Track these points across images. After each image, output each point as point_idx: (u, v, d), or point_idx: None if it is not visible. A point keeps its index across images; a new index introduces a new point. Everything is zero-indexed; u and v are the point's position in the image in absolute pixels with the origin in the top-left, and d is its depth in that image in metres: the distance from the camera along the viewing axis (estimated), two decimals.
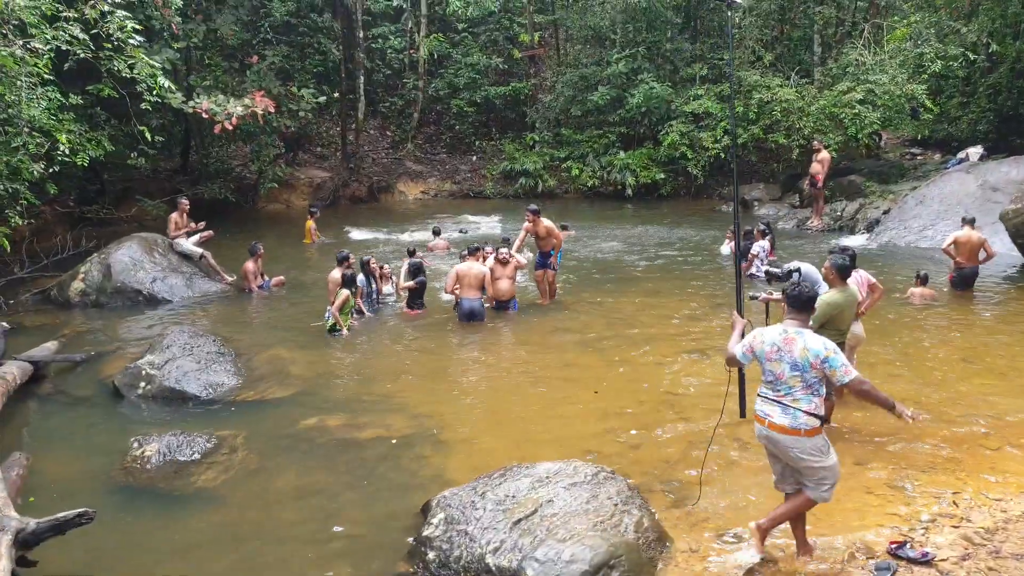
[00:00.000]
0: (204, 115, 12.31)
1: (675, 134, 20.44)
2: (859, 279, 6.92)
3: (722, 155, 19.79)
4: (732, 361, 4.38)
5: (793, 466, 4.21)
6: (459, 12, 25.12)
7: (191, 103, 11.53)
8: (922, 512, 4.91)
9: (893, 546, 4.41)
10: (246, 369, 7.83)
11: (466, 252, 10.34)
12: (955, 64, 19.12)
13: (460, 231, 16.37)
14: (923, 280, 10.15)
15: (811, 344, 4.02)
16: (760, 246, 11.88)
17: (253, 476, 5.80)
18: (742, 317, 4.73)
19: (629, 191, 21.50)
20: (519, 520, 4.29)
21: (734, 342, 4.44)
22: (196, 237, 12.36)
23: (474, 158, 24.80)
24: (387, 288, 11.45)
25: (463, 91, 24.91)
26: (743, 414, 5.21)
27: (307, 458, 6.10)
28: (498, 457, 5.82)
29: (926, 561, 4.28)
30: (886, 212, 15.18)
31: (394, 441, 6.30)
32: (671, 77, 22.34)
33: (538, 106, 24.55)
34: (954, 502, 5.02)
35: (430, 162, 24.56)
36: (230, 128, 13.29)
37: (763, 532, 4.42)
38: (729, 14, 5.49)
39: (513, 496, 4.53)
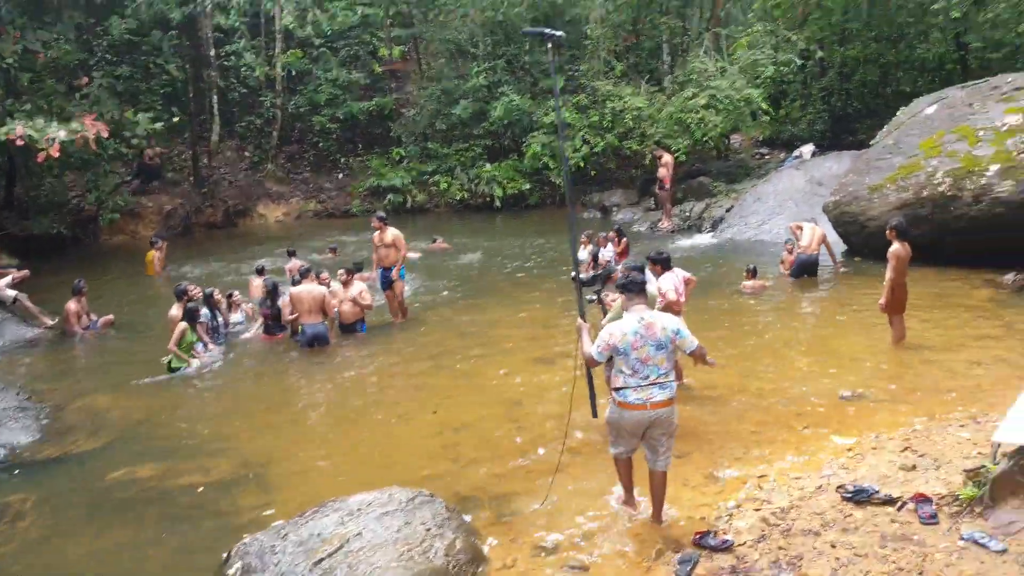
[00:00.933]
0: (19, 142, 11.45)
1: (537, 145, 20.81)
2: (677, 277, 7.23)
3: (582, 164, 20.31)
4: (591, 362, 4.69)
5: (665, 436, 4.67)
6: (317, 28, 24.63)
7: (2, 130, 10.68)
8: (730, 499, 5.14)
9: (697, 536, 4.59)
10: (53, 422, 7.23)
11: (298, 275, 9.97)
12: (786, 69, 20.52)
13: (330, 248, 15.92)
14: (752, 273, 10.81)
15: (666, 322, 4.58)
16: (610, 251, 12.26)
17: (39, 545, 5.23)
18: (584, 321, 4.97)
19: (498, 203, 21.70)
20: (320, 560, 4.12)
21: (586, 344, 4.71)
22: (7, 279, 11.32)
23: (340, 175, 24.31)
24: (235, 317, 11.00)
25: (325, 107, 24.38)
26: (595, 414, 5.26)
27: (109, 516, 5.60)
28: (328, 490, 5.62)
29: (726, 547, 4.47)
30: (729, 210, 16.07)
31: (209, 487, 5.94)
32: (531, 89, 22.76)
33: (403, 120, 24.40)
34: (759, 485, 5.29)
35: (293, 182, 23.86)
36: (55, 155, 12.44)
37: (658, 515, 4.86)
38: (549, 46, 5.51)
39: (319, 534, 4.35)
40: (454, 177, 22.51)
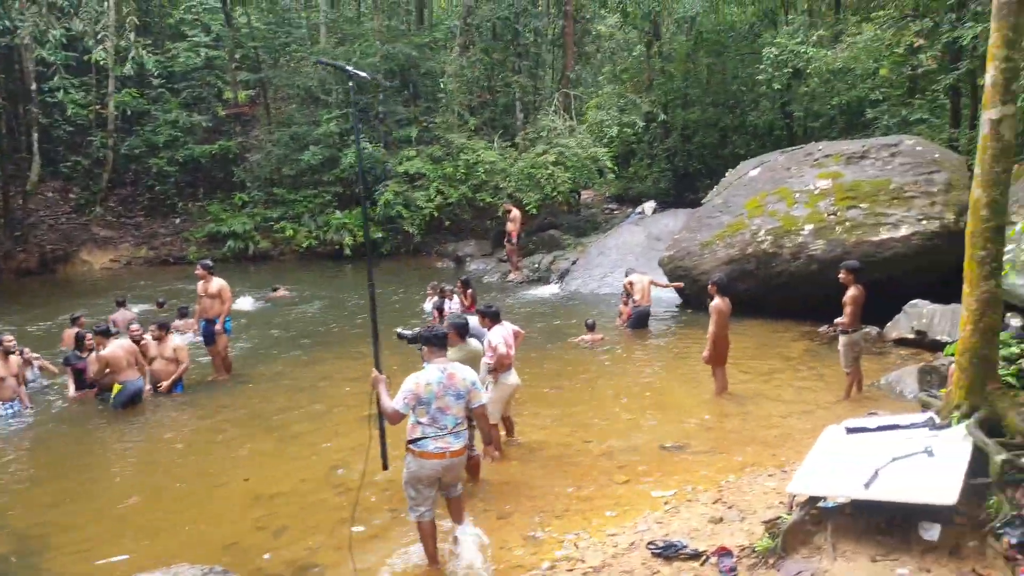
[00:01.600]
0: None
1: (390, 194, 20.70)
2: (507, 330, 7.23)
3: (435, 213, 20.38)
4: (396, 417, 4.65)
5: (457, 482, 5.05)
6: (139, 66, 23.48)
7: None
8: (545, 559, 5.05)
9: None
10: None
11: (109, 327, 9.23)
12: (630, 130, 21.75)
13: (158, 302, 14.83)
14: (591, 327, 11.09)
15: (465, 374, 4.86)
16: (455, 303, 12.21)
17: None
18: (381, 373, 4.86)
19: (348, 251, 21.26)
20: None
21: (387, 399, 4.66)
22: None
23: (177, 220, 23.00)
24: (30, 374, 9.94)
25: (163, 149, 23.13)
26: (385, 465, 5.06)
27: None
28: (111, 570, 5.06)
29: None
30: (575, 262, 16.59)
31: None
32: (384, 138, 22.72)
33: (248, 165, 23.57)
34: (576, 544, 5.23)
35: (124, 226, 22.32)
36: None
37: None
38: (351, 84, 5.45)
39: None
40: (301, 224, 21.92)
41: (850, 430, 5.43)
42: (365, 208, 5.65)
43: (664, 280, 12.92)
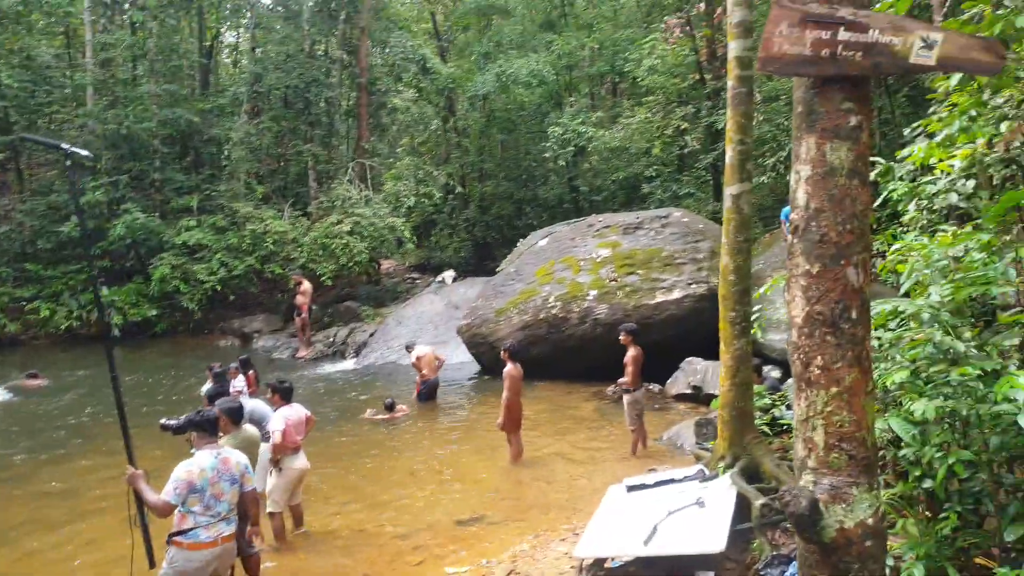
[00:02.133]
0: None
1: (166, 267, 19.26)
2: (297, 412, 6.89)
3: (218, 287, 19.22)
4: (167, 509, 4.47)
5: (228, 568, 4.78)
6: None
7: None
8: None
9: None
10: None
11: None
12: (428, 201, 22.19)
13: None
14: (390, 407, 10.87)
15: (239, 458, 4.79)
16: (239, 383, 11.43)
17: None
18: (136, 468, 4.66)
19: (117, 331, 19.32)
20: None
21: (151, 493, 4.49)
22: None
23: None
24: None
25: None
26: (152, 563, 4.57)
27: None
28: None
29: None
30: (372, 335, 16.33)
31: None
32: (161, 208, 21.27)
33: None
34: None
35: None
36: None
37: None
38: (68, 163, 4.99)
39: None
40: (60, 303, 19.67)
41: (631, 488, 5.69)
42: (96, 286, 5.16)
43: (444, 357, 12.81)
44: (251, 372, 11.69)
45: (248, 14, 25.49)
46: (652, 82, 20.40)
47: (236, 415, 5.77)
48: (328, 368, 15.03)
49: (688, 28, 19.46)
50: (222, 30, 28.81)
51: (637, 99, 23.08)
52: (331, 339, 16.90)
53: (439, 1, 27.32)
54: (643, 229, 13.84)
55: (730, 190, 6.26)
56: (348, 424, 10.69)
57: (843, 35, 3.19)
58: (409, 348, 12.45)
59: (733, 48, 6.20)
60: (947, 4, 9.49)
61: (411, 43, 24.65)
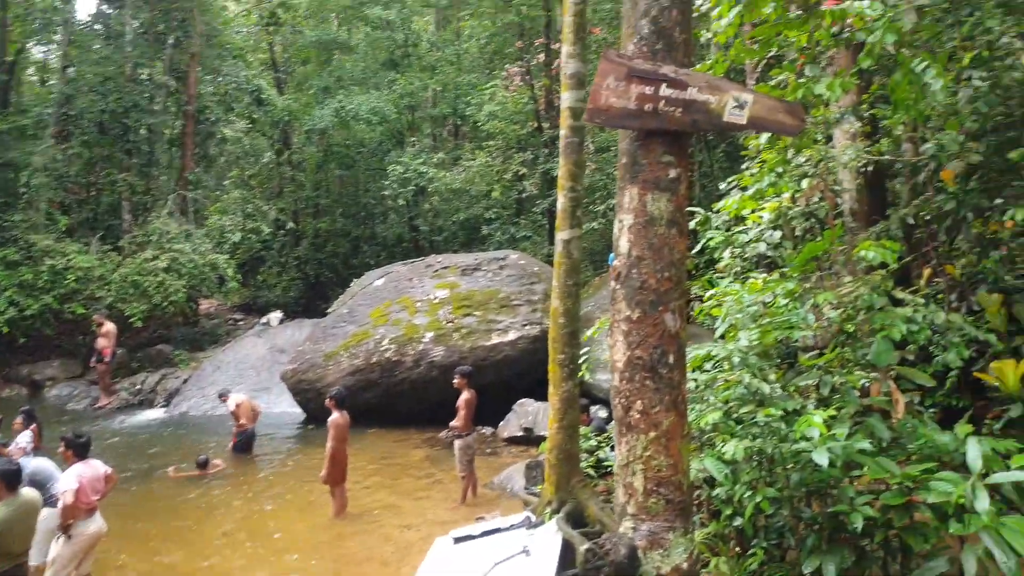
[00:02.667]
0: None
1: None
2: (94, 470, 6.19)
3: (6, 329, 17.15)
4: None
5: None
6: None
7: None
8: None
9: None
10: None
11: None
12: (255, 237, 21.23)
13: None
14: (203, 465, 10.06)
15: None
16: (24, 438, 10.17)
17: None
18: None
19: None
20: None
21: None
22: None
23: None
24: None
25: None
26: None
27: None
28: None
29: None
30: (186, 381, 15.19)
31: None
32: None
33: None
34: None
35: None
36: None
37: None
38: None
39: None
40: None
41: (457, 540, 5.56)
42: None
43: (262, 407, 11.97)
44: (35, 424, 10.42)
45: (60, 30, 23.54)
46: (493, 127, 20.91)
47: (12, 479, 5.05)
48: (134, 419, 13.70)
49: (528, 77, 20.21)
50: (28, 45, 26.39)
51: (478, 142, 23.54)
52: (138, 386, 15.47)
53: (278, 32, 26.60)
54: (481, 270, 13.97)
55: (561, 235, 6.43)
56: (154, 482, 9.77)
57: (665, 91, 3.36)
58: (223, 396, 11.61)
59: (566, 99, 6.45)
60: (758, 69, 10.51)
61: (245, 73, 23.76)
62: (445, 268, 14.29)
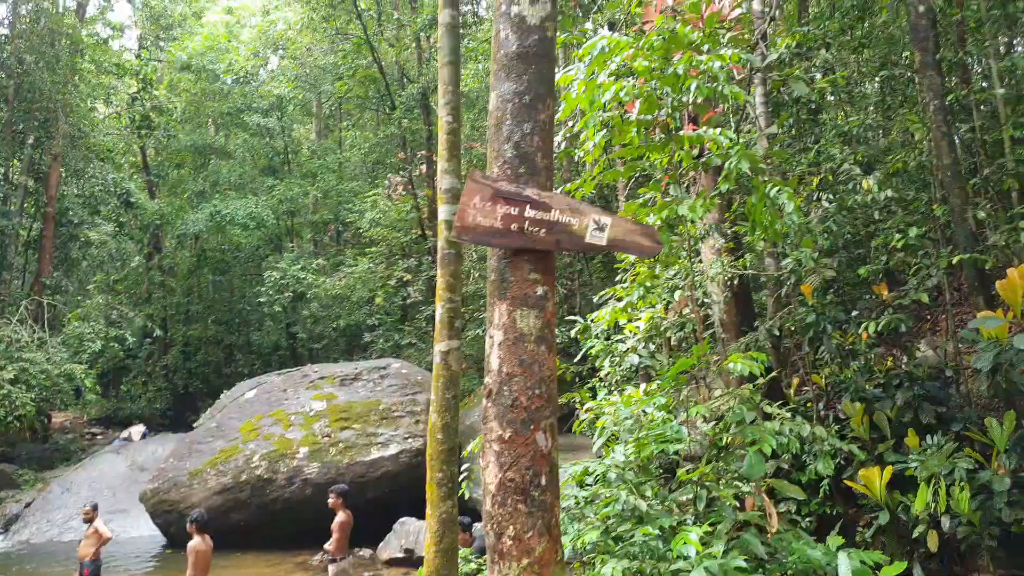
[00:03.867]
0: None
1: None
2: None
3: None
4: None
5: None
6: None
7: None
8: None
9: None
10: None
11: None
12: (118, 346, 19.96)
13: None
14: None
15: None
16: None
17: None
18: None
19: None
20: None
21: None
22: None
23: None
24: None
25: None
26: None
27: None
28: None
29: None
30: (29, 505, 13.71)
31: None
32: None
33: None
34: None
35: None
36: None
37: None
38: None
39: None
40: None
41: None
42: None
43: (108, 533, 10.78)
44: None
45: None
46: (376, 233, 20.94)
47: None
48: None
49: (410, 187, 20.55)
50: None
51: (361, 248, 23.50)
52: None
53: (151, 135, 26.02)
54: (361, 380, 13.61)
55: (439, 346, 6.33)
56: None
57: (529, 212, 3.44)
58: (87, 513, 10.43)
59: (443, 212, 6.50)
60: (628, 186, 11.12)
61: (113, 175, 22.98)
62: (322, 378, 13.83)
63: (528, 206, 3.41)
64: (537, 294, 3.53)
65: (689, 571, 3.86)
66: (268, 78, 27.31)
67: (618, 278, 8.95)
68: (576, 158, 8.49)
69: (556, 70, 4.14)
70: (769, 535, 4.57)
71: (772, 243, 8.25)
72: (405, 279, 20.28)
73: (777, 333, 8.18)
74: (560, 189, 7.01)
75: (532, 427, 3.44)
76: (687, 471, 5.31)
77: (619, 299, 7.50)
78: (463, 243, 4.56)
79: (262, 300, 21.52)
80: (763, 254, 8.66)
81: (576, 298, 16.15)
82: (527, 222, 3.41)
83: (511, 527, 3.34)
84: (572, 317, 9.01)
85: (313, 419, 12.56)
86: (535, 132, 3.52)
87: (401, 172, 20.84)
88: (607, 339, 8.28)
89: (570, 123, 8.12)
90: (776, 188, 5.63)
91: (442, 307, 6.49)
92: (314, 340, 24.13)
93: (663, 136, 6.15)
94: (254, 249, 26.08)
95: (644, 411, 5.60)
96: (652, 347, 7.87)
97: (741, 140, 6.12)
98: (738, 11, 7.76)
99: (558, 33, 5.35)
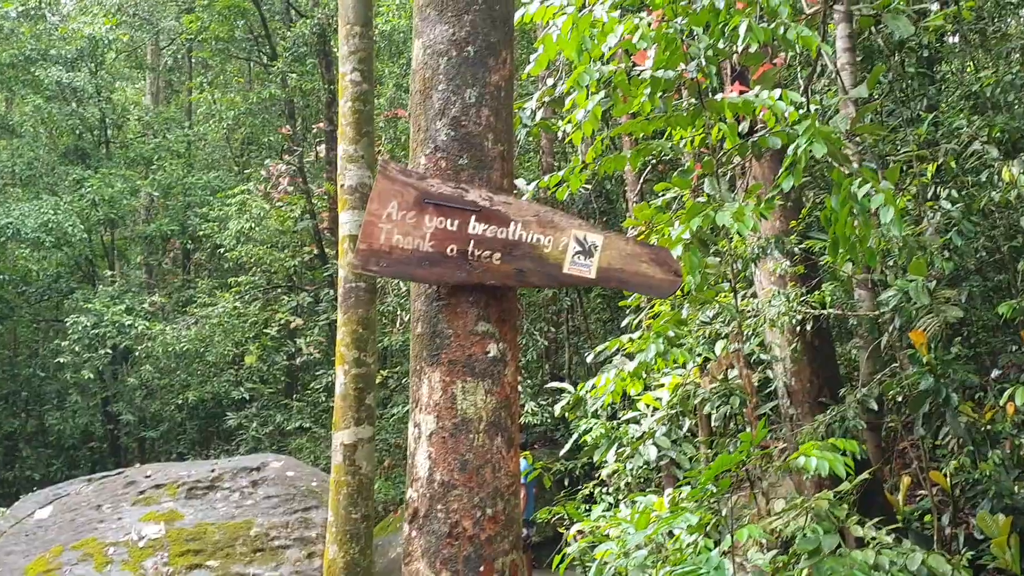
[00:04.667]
0: None
1: None
2: None
3: None
4: None
5: None
6: None
7: None
8: None
9: None
10: None
11: None
12: None
13: None
14: None
15: None
16: None
17: None
18: None
19: None
20: None
21: None
22: None
23: None
24: None
25: None
26: None
27: None
28: None
29: None
30: None
31: None
32: None
33: None
34: None
35: None
36: None
37: None
38: None
39: None
40: None
41: None
42: None
43: None
44: None
45: None
46: (245, 254, 20.88)
47: None
48: None
49: (301, 180, 20.56)
50: None
51: (222, 278, 23.38)
52: None
53: None
54: (222, 489, 13.52)
55: (341, 437, 6.34)
56: None
57: (476, 227, 3.46)
58: None
59: (345, 222, 6.56)
60: (640, 182, 11.27)
61: None
62: (159, 487, 13.69)
63: (473, 218, 3.43)
64: (488, 356, 3.54)
65: None
66: (75, 11, 27.27)
67: (626, 321, 9.04)
68: (559, 136, 8.65)
69: (520, 2, 4.21)
70: None
71: (864, 267, 8.35)
72: (293, 326, 20.22)
73: (875, 406, 8.28)
74: (531, 187, 7.06)
75: (482, 568, 3.44)
76: None
77: (629, 355, 7.52)
78: (371, 276, 4.58)
79: (63, 360, 21.29)
80: (851, 284, 8.78)
81: (563, 353, 16.23)
82: (472, 243, 3.44)
83: None
84: (556, 384, 9.05)
85: (145, 553, 12.43)
86: (484, 102, 3.57)
87: (287, 157, 20.85)
88: (611, 419, 8.32)
89: (549, 81, 8.22)
90: (869, 183, 5.67)
91: (345, 373, 6.51)
92: (147, 424, 23.92)
93: (693, 103, 6.25)
94: (51, 280, 25.88)
95: (667, 534, 5.62)
96: (680, 431, 7.93)
97: (814, 109, 6.23)
98: None
99: None
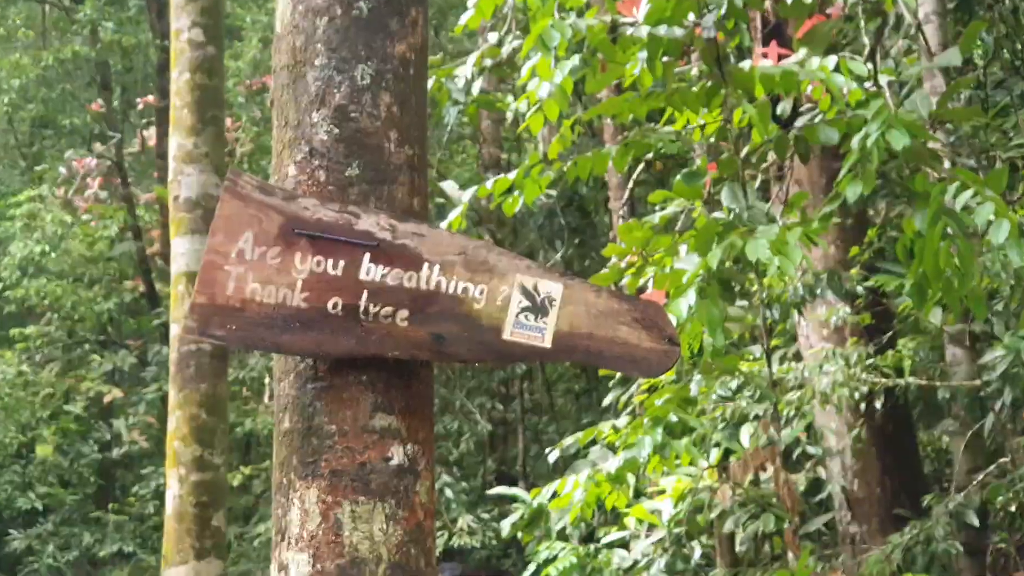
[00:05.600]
0: None
1: None
2: None
3: None
4: None
5: None
6: None
7: None
8: None
9: None
10: None
11: None
12: None
13: None
14: None
15: None
16: None
17: None
18: None
19: None
20: None
21: None
22: None
23: None
24: None
25: None
26: None
27: None
28: None
29: None
30: None
31: None
32: None
33: None
34: None
35: None
36: None
37: None
38: None
39: None
40: None
41: None
42: None
43: None
44: None
45: None
46: (35, 292, 20.85)
47: None
48: None
49: (120, 182, 20.53)
50: None
51: (2, 329, 23.32)
52: None
53: None
54: None
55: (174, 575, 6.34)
56: None
57: (371, 271, 3.42)
58: None
59: (183, 252, 6.56)
60: (630, 187, 11.34)
61: None
62: None
63: (367, 257, 3.40)
64: (391, 464, 3.54)
65: None
66: None
67: (608, 399, 9.10)
68: (508, 118, 8.65)
69: None
70: None
71: (964, 315, 8.38)
72: (109, 400, 20.16)
73: (975, 521, 8.35)
74: (466, 195, 7.10)
75: None
76: None
77: (610, 446, 7.54)
78: (216, 344, 4.59)
79: None
80: (941, 341, 8.88)
81: (514, 441, 16.29)
82: (365, 295, 3.40)
83: None
84: (504, 489, 9.08)
85: None
86: (383, 84, 3.58)
87: (98, 147, 20.83)
88: (586, 540, 8.38)
89: (491, 36, 8.27)
90: (970, 190, 5.61)
91: (181, 481, 6.50)
92: None
93: (708, 71, 6.28)
94: None
95: None
96: (689, 562, 8.00)
97: (886, 83, 6.31)
98: None
99: None
